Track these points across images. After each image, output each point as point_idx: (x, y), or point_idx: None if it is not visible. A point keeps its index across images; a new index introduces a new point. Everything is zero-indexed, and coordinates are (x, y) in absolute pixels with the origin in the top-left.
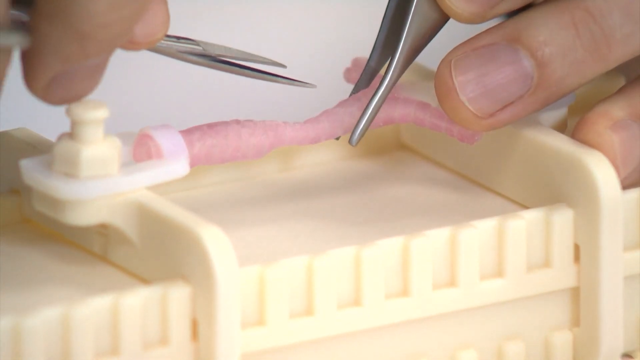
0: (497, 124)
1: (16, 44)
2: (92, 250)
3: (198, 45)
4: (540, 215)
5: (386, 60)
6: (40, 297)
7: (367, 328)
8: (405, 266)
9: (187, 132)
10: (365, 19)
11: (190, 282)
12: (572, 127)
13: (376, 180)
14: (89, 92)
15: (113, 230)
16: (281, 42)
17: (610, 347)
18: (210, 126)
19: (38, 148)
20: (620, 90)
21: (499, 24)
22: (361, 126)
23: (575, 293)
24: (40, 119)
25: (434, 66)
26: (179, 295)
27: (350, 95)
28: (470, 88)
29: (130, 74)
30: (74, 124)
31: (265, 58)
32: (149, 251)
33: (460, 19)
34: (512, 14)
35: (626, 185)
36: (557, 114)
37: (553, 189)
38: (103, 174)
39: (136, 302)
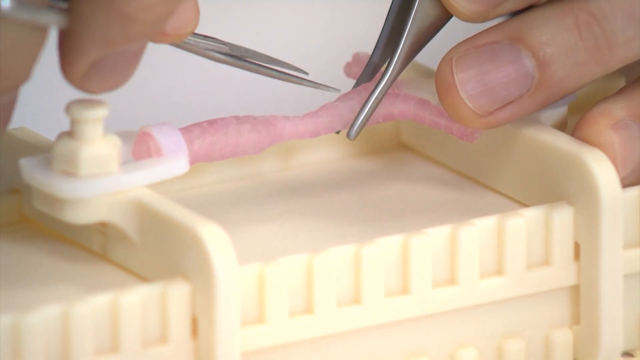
0: (496, 123)
1: (54, 23)
2: (92, 248)
3: (225, 44)
4: (540, 214)
5: (388, 56)
6: (40, 295)
7: (367, 326)
8: (405, 264)
9: (186, 130)
10: (367, 14)
11: (190, 280)
12: (573, 125)
13: (376, 178)
14: (126, 81)
15: (113, 229)
16: (282, 36)
17: (611, 345)
18: (210, 123)
19: (38, 147)
20: (621, 91)
21: (501, 23)
22: (360, 120)
23: (575, 291)
24: (40, 118)
25: (434, 64)
26: (178, 293)
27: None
28: (471, 86)
29: None
30: (74, 123)
31: (289, 64)
32: (148, 249)
33: (463, 18)
34: (515, 13)
35: (625, 185)
36: (557, 112)
37: (553, 187)
38: (103, 172)
39: (136, 300)
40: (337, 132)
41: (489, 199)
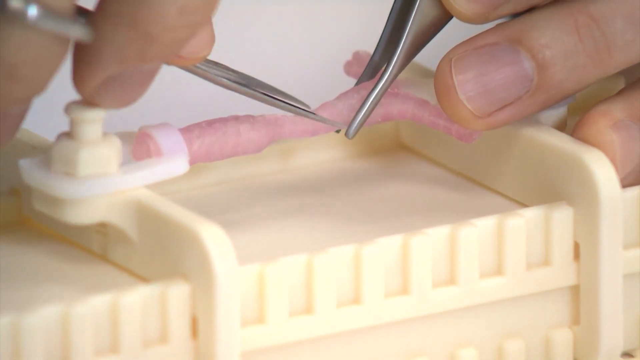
0: (494, 124)
1: (79, 35)
2: (92, 249)
3: (234, 73)
4: (540, 214)
5: (389, 56)
6: (40, 296)
7: (366, 326)
8: (405, 264)
9: (186, 130)
10: (368, 13)
11: (190, 280)
12: (572, 126)
13: (376, 179)
14: (136, 100)
15: (112, 229)
16: (282, 35)
17: (610, 345)
18: (209, 123)
19: (37, 148)
20: (621, 92)
21: (501, 24)
22: (358, 119)
23: (575, 291)
24: (39, 119)
25: (434, 65)
26: (178, 294)
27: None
28: (470, 87)
29: None
30: (73, 123)
31: (294, 97)
32: (148, 249)
33: (463, 19)
34: (515, 15)
35: (625, 185)
36: (557, 112)
37: (553, 187)
38: (102, 172)
39: (136, 300)
40: (337, 131)
41: (489, 199)
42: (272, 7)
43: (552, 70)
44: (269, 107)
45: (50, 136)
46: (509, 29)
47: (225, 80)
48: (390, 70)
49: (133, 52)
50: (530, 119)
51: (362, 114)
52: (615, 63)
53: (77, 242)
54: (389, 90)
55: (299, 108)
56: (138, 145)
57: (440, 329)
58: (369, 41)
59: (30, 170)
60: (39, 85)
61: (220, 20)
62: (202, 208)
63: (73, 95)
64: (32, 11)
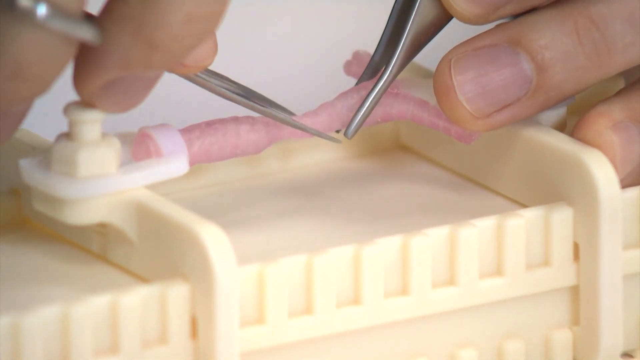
0: (493, 125)
1: (88, 37)
2: (91, 249)
3: (234, 84)
4: (540, 214)
5: (389, 56)
6: (39, 296)
7: (366, 327)
8: (405, 265)
9: (186, 131)
10: (368, 13)
11: (190, 280)
12: (572, 126)
13: (375, 179)
14: (135, 106)
15: (112, 230)
16: (282, 34)
17: (610, 346)
18: (209, 124)
19: (37, 149)
20: (620, 93)
21: (500, 25)
22: (357, 119)
23: (574, 292)
24: (39, 120)
25: (434, 65)
26: (178, 294)
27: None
28: (469, 88)
29: None
30: (72, 124)
31: (291, 112)
32: (147, 250)
33: (463, 20)
34: (515, 16)
35: (624, 186)
36: (556, 113)
37: (552, 187)
38: (101, 173)
39: (135, 300)
40: (337, 132)
41: (489, 199)
42: (272, 7)
43: (551, 71)
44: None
45: (50, 136)
46: (508, 30)
47: (225, 90)
48: (389, 70)
49: (136, 58)
50: (529, 119)
51: (361, 114)
52: (615, 65)
53: (76, 243)
54: (388, 90)
55: (297, 123)
56: (138, 146)
57: (440, 330)
58: (369, 41)
59: (30, 170)
60: (44, 85)
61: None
62: (202, 208)
63: (73, 95)
64: (42, 10)
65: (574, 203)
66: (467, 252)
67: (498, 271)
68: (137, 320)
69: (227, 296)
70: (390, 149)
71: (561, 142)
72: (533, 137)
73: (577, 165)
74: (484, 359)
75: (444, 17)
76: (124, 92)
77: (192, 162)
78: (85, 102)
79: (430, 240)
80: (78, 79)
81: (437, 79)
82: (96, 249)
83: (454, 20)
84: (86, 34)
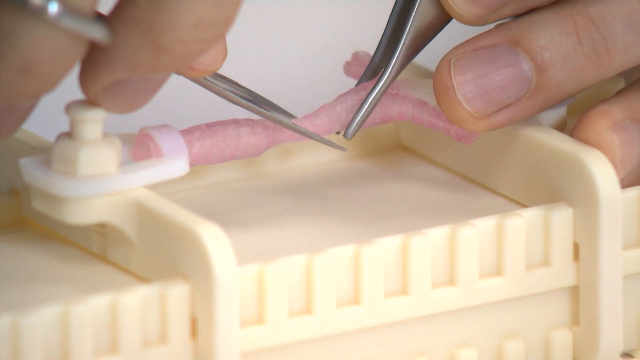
0: (493, 125)
1: (98, 37)
2: (91, 249)
3: (242, 89)
4: (540, 214)
5: (389, 57)
6: (39, 296)
7: (366, 326)
8: (405, 265)
9: (186, 132)
10: (367, 13)
11: (189, 280)
12: (572, 126)
13: (375, 179)
14: (140, 107)
15: (112, 230)
16: (282, 35)
17: (610, 346)
18: (209, 126)
19: (37, 149)
20: (620, 92)
21: (500, 26)
22: (357, 120)
23: (574, 292)
24: (39, 120)
25: (433, 65)
26: (178, 294)
27: None
28: (468, 88)
29: None
30: (73, 123)
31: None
32: (147, 250)
33: (463, 21)
34: (515, 16)
35: (624, 186)
36: (556, 113)
37: (552, 187)
38: (102, 172)
39: (135, 300)
40: (337, 133)
41: (488, 199)
42: (272, 8)
43: (550, 72)
44: None
45: (50, 136)
46: (508, 31)
47: (231, 94)
48: (389, 71)
49: (143, 60)
50: (529, 119)
51: (361, 115)
52: (615, 65)
53: (76, 243)
54: (388, 91)
55: (304, 129)
56: (138, 146)
57: (440, 330)
58: (369, 42)
59: (30, 169)
60: (52, 83)
61: None
62: (202, 208)
63: (73, 95)
64: (53, 8)
65: (574, 203)
66: (467, 252)
67: (498, 271)
68: (137, 320)
69: (227, 296)
70: (390, 149)
71: (561, 142)
72: (533, 137)
73: (577, 165)
74: (483, 359)
75: (443, 18)
76: (129, 93)
77: (192, 164)
78: (90, 101)
79: (430, 240)
80: (84, 78)
81: (437, 80)
82: (96, 249)
83: (453, 20)
84: (96, 33)
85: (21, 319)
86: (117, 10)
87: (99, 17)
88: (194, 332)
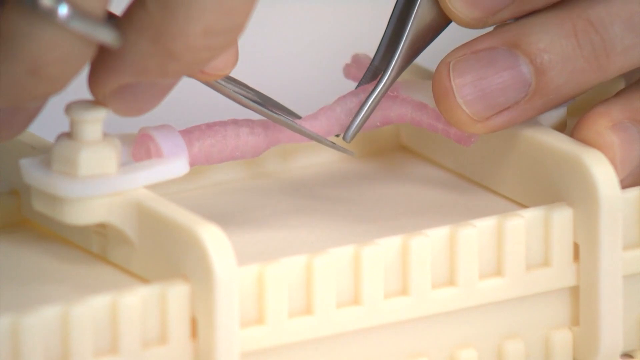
0: (492, 128)
1: (108, 40)
2: (91, 250)
3: (251, 91)
4: (540, 214)
5: (388, 60)
6: (39, 296)
7: (366, 327)
8: (405, 265)
9: (185, 132)
10: (367, 15)
11: (190, 280)
12: (572, 126)
13: (375, 180)
14: (148, 110)
15: (112, 230)
16: (282, 38)
17: (610, 346)
18: (209, 126)
19: (37, 149)
20: (620, 93)
21: (499, 28)
22: (356, 123)
23: (574, 292)
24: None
25: (434, 66)
26: (178, 294)
27: None
28: (468, 91)
29: None
30: (73, 123)
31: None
32: (147, 250)
33: (462, 23)
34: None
35: (624, 186)
36: (556, 113)
37: (552, 188)
38: (102, 173)
39: (135, 301)
40: (337, 136)
41: (488, 200)
42: (272, 10)
43: (550, 74)
44: None
45: (50, 136)
46: (507, 33)
47: (241, 97)
48: (388, 74)
49: (152, 65)
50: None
51: (360, 117)
52: (614, 68)
53: (76, 243)
54: (387, 93)
55: (312, 133)
56: (138, 146)
57: (440, 330)
58: (369, 44)
59: (30, 169)
60: (61, 84)
61: None
62: (202, 209)
63: (73, 95)
64: (63, 11)
65: (573, 203)
66: (467, 252)
67: (498, 271)
68: (137, 321)
69: (227, 296)
70: (390, 150)
71: (561, 143)
72: (533, 137)
73: (577, 166)
74: (483, 359)
75: (442, 21)
76: (138, 97)
77: (192, 164)
78: (90, 102)
79: (430, 241)
80: (93, 80)
81: (436, 82)
82: (96, 250)
83: (453, 22)
84: (106, 36)
85: (21, 319)
86: (127, 14)
87: (110, 19)
88: (194, 332)
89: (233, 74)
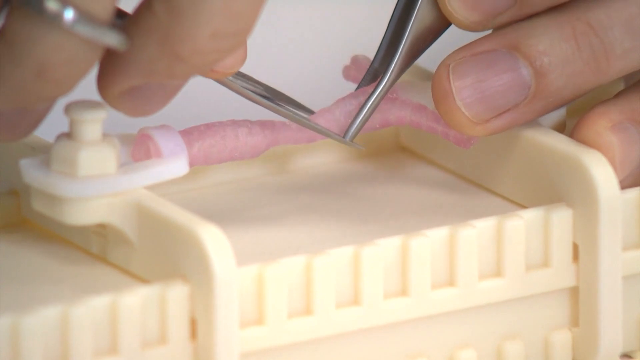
0: (492, 131)
1: (114, 44)
2: (91, 250)
3: (260, 85)
4: (539, 215)
5: (388, 62)
6: (39, 297)
7: (365, 327)
8: (404, 265)
9: (185, 133)
10: (367, 17)
11: (189, 281)
12: (571, 127)
13: (375, 180)
14: (157, 111)
15: (111, 231)
16: (281, 39)
17: (609, 347)
18: (208, 126)
19: (37, 150)
20: (620, 94)
21: (499, 30)
22: (355, 125)
23: (574, 293)
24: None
25: (434, 67)
26: (177, 295)
27: None
28: (467, 93)
29: None
30: (73, 123)
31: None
32: (147, 251)
33: (462, 26)
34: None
35: (623, 187)
36: (555, 114)
37: (552, 188)
38: (101, 173)
39: (135, 301)
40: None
41: (488, 200)
42: (271, 12)
43: (549, 77)
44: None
45: (50, 136)
46: (506, 36)
47: (250, 92)
48: (387, 76)
49: (160, 68)
50: None
51: (359, 120)
52: (613, 71)
53: (76, 244)
54: (387, 95)
55: (322, 128)
56: (138, 147)
57: (440, 331)
58: (369, 46)
59: (30, 170)
60: (68, 87)
61: None
62: (201, 209)
63: (73, 95)
64: (69, 15)
65: (573, 204)
66: (466, 253)
67: (497, 272)
68: (137, 321)
69: (226, 297)
70: (390, 150)
71: (560, 143)
72: (532, 138)
73: (577, 166)
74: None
75: (442, 23)
76: (146, 98)
77: (191, 165)
78: (91, 102)
79: (429, 241)
80: (102, 82)
81: (436, 84)
82: (95, 250)
83: (452, 25)
84: (112, 40)
85: (21, 319)
86: (135, 17)
87: (117, 22)
88: (193, 332)
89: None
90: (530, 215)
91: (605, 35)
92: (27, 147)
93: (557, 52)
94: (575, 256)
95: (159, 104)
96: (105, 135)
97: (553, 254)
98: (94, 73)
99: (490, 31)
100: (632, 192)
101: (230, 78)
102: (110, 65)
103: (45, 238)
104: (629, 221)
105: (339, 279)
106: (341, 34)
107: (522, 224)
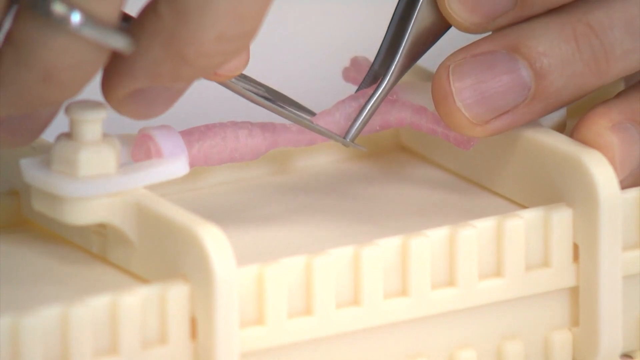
0: (492, 132)
1: (120, 47)
2: (91, 250)
3: (262, 87)
4: (539, 215)
5: (388, 64)
6: (39, 297)
7: (365, 327)
8: (404, 265)
9: (185, 133)
10: (367, 19)
11: (189, 281)
12: (571, 127)
13: (376, 180)
14: (161, 113)
15: (111, 230)
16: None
17: (610, 347)
18: (208, 127)
19: (37, 149)
20: (620, 94)
21: (499, 32)
22: (355, 127)
23: (574, 293)
24: None
25: (434, 68)
26: (177, 295)
27: None
28: (467, 94)
29: None
30: (73, 123)
31: (311, 111)
32: (147, 251)
33: (462, 28)
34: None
35: (623, 187)
36: (556, 114)
37: (552, 188)
38: (102, 173)
39: (135, 301)
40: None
41: (488, 200)
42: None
43: (549, 78)
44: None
45: (50, 136)
46: (506, 37)
47: (252, 94)
48: (387, 78)
49: (165, 71)
50: None
51: (359, 122)
52: (614, 72)
53: (76, 243)
54: (387, 97)
55: (324, 128)
56: (138, 147)
57: (440, 331)
58: (369, 47)
59: (30, 169)
60: (74, 90)
61: None
62: (201, 209)
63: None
64: (75, 18)
65: (573, 204)
66: (466, 253)
67: (497, 272)
68: (137, 321)
69: (226, 297)
70: (390, 151)
71: (561, 143)
72: (533, 138)
73: (577, 166)
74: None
75: (442, 25)
76: (151, 101)
77: (191, 165)
78: (93, 102)
79: (429, 241)
80: (106, 85)
81: (436, 86)
82: (96, 250)
83: (452, 27)
84: (118, 43)
85: (21, 319)
86: (140, 20)
87: (123, 24)
88: (193, 332)
89: None
90: (530, 215)
91: (606, 37)
92: (27, 146)
93: (557, 53)
94: (576, 256)
95: (162, 107)
96: (106, 136)
97: (553, 254)
98: (96, 75)
99: (490, 32)
100: (632, 192)
101: (232, 80)
102: (115, 68)
103: (45, 238)
104: (629, 221)
105: (339, 279)
106: (341, 36)
107: (522, 224)
